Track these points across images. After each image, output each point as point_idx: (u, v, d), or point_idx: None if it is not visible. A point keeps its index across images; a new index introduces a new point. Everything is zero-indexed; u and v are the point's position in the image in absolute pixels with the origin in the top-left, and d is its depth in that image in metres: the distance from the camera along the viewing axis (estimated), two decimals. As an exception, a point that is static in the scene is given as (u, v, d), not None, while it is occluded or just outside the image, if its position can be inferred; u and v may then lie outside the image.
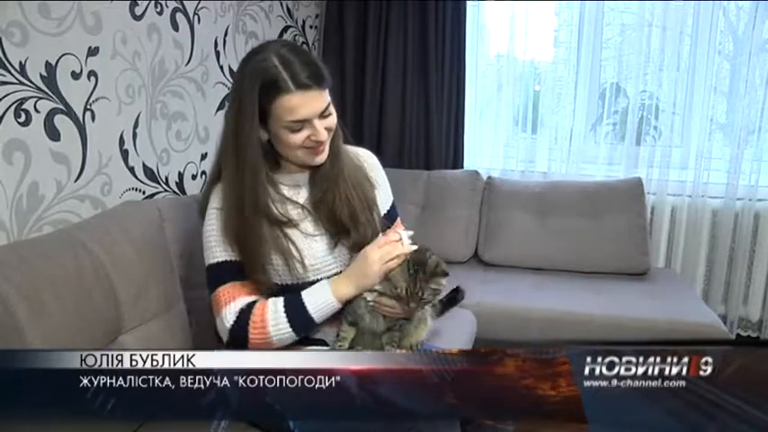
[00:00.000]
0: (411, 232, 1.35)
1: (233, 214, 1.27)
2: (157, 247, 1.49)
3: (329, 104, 1.26)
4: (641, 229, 2.57)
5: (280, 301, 1.27)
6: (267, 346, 1.26)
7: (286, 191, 1.35)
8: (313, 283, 1.32)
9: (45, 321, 1.10)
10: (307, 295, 1.27)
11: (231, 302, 1.27)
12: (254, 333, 1.25)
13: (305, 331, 1.28)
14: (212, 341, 1.52)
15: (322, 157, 1.30)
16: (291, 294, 1.28)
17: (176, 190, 2.01)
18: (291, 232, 1.31)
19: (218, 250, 1.29)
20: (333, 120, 1.28)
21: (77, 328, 1.17)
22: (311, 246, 1.32)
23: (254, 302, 1.28)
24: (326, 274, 1.33)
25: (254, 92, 1.20)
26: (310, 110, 1.22)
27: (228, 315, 1.26)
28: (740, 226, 2.82)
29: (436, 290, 1.28)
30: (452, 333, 1.87)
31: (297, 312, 1.26)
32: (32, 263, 1.14)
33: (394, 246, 1.29)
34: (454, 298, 1.59)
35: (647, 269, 2.55)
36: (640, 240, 2.55)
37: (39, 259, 1.16)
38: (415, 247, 1.30)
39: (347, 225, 1.33)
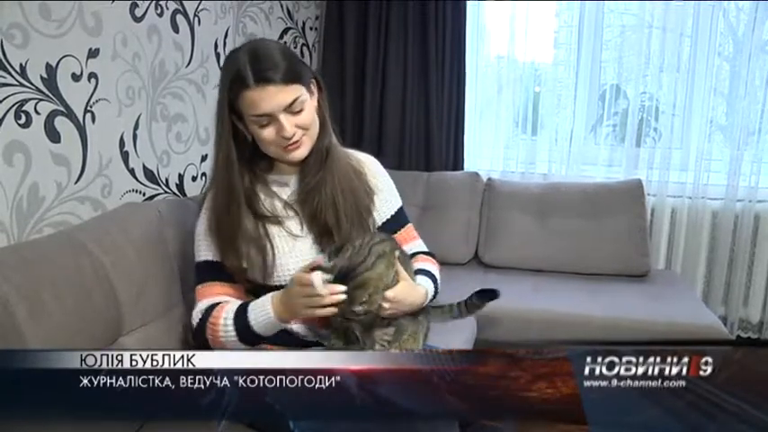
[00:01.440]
0: (327, 276, 1.18)
1: (213, 205, 1.31)
2: (158, 248, 1.49)
3: (298, 101, 1.24)
4: (641, 231, 2.57)
5: (235, 306, 1.28)
6: (221, 346, 1.28)
7: (274, 187, 1.37)
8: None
9: (45, 322, 1.10)
10: (252, 308, 1.27)
11: (201, 300, 1.32)
12: (210, 332, 1.27)
13: (253, 342, 1.27)
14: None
15: (298, 153, 1.29)
16: (244, 304, 1.29)
17: (176, 192, 2.01)
18: (275, 230, 1.32)
19: (202, 249, 1.34)
20: (306, 116, 1.26)
21: (77, 329, 1.17)
22: (294, 246, 1.33)
23: (219, 303, 1.30)
24: None
25: (225, 87, 1.24)
26: (271, 104, 1.21)
27: (196, 312, 1.31)
28: (740, 227, 2.82)
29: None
30: (452, 334, 1.87)
31: (241, 324, 1.26)
32: (32, 264, 1.14)
33: (311, 291, 1.16)
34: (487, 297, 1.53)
35: (647, 271, 2.54)
36: (640, 242, 2.55)
37: (39, 260, 1.16)
38: (336, 296, 1.15)
39: (331, 228, 1.33)
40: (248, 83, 1.19)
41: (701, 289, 2.91)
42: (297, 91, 1.23)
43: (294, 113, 1.24)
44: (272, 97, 1.21)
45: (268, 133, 1.25)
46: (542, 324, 2.13)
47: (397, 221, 1.50)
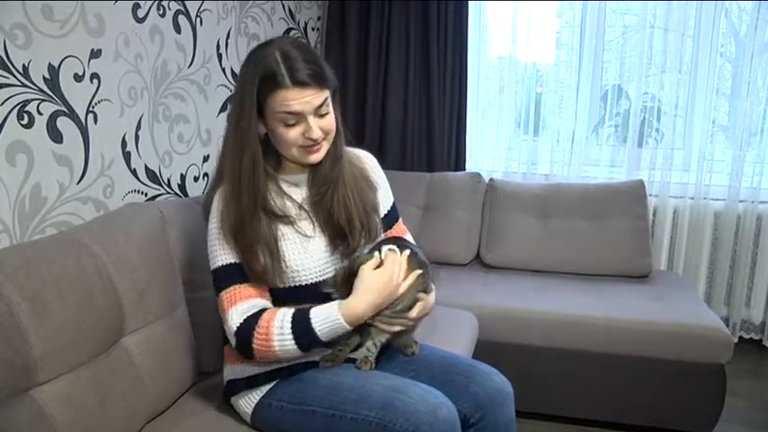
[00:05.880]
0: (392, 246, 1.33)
1: (233, 206, 1.27)
2: (160, 248, 1.49)
3: (326, 104, 1.27)
4: (643, 232, 2.57)
5: (289, 313, 1.25)
6: (270, 356, 1.25)
7: (285, 187, 1.36)
8: (309, 286, 1.31)
9: (47, 323, 1.10)
10: (315, 313, 1.24)
11: (234, 305, 1.27)
12: (258, 342, 1.23)
13: (311, 348, 1.25)
14: (214, 343, 1.53)
15: (317, 156, 1.31)
16: (301, 309, 1.26)
17: (178, 192, 2.01)
18: (287, 231, 1.32)
19: (221, 253, 1.29)
20: (330, 121, 1.30)
21: (79, 329, 1.17)
22: (307, 248, 1.32)
23: (263, 310, 1.27)
24: (324, 278, 1.33)
25: (254, 84, 1.23)
26: (304, 106, 1.23)
27: (233, 318, 1.26)
28: (742, 228, 2.82)
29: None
30: (454, 335, 1.87)
31: (303, 329, 1.23)
32: (35, 264, 1.14)
33: (393, 263, 1.28)
34: None
35: (649, 271, 2.54)
36: (642, 242, 2.55)
37: (41, 261, 1.16)
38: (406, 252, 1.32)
39: (344, 228, 1.34)
40: (285, 83, 1.21)
41: (702, 290, 2.90)
42: (326, 94, 1.27)
43: (321, 116, 1.27)
44: (308, 99, 1.23)
45: (293, 133, 1.26)
46: (544, 325, 2.13)
47: (392, 216, 1.52)
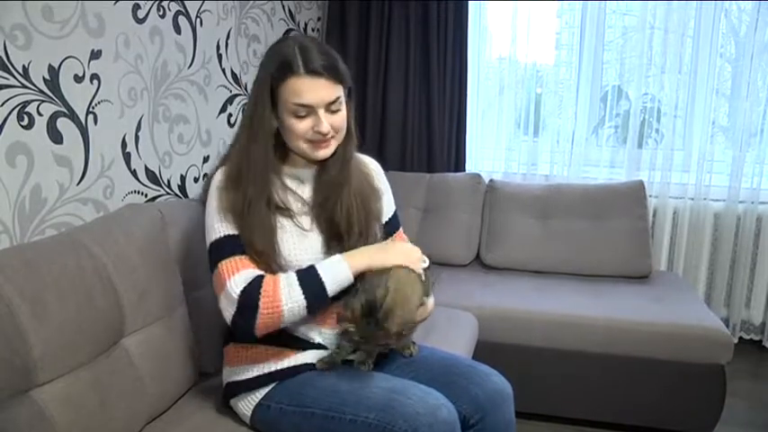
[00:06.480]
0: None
1: (236, 192, 1.27)
2: (160, 249, 1.49)
3: (339, 102, 1.28)
4: (643, 232, 2.57)
5: (292, 272, 1.26)
6: (275, 319, 1.22)
7: (289, 182, 1.37)
8: None
9: (47, 324, 1.10)
10: (320, 265, 1.26)
11: (238, 272, 1.23)
12: (264, 303, 1.20)
13: (317, 303, 1.24)
14: (214, 344, 1.53)
15: (324, 152, 1.31)
16: (305, 268, 1.27)
17: (178, 193, 2.01)
18: (286, 222, 1.32)
19: (217, 226, 1.28)
20: (341, 119, 1.30)
21: (79, 330, 1.17)
22: (303, 241, 1.32)
23: (262, 275, 1.25)
24: None
25: (269, 73, 1.25)
26: (316, 97, 1.24)
27: (235, 285, 1.22)
28: (742, 229, 2.82)
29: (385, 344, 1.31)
30: (454, 335, 1.87)
31: (311, 280, 1.23)
32: (35, 265, 1.14)
33: (417, 253, 1.35)
34: None
35: (648, 272, 2.54)
36: (642, 243, 2.55)
37: (41, 262, 1.16)
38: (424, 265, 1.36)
39: (342, 233, 1.34)
40: (298, 71, 1.23)
41: (702, 291, 2.91)
42: (339, 91, 1.28)
43: (332, 113, 1.28)
44: (319, 90, 1.24)
45: (303, 126, 1.27)
46: (544, 325, 2.13)
47: (393, 225, 1.52)
